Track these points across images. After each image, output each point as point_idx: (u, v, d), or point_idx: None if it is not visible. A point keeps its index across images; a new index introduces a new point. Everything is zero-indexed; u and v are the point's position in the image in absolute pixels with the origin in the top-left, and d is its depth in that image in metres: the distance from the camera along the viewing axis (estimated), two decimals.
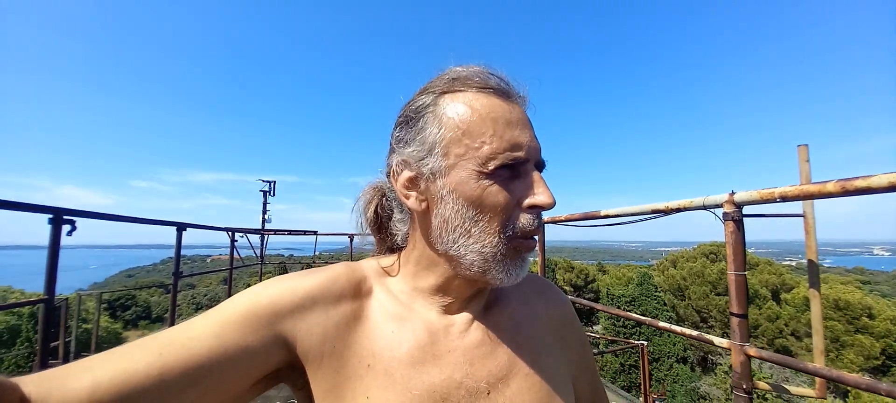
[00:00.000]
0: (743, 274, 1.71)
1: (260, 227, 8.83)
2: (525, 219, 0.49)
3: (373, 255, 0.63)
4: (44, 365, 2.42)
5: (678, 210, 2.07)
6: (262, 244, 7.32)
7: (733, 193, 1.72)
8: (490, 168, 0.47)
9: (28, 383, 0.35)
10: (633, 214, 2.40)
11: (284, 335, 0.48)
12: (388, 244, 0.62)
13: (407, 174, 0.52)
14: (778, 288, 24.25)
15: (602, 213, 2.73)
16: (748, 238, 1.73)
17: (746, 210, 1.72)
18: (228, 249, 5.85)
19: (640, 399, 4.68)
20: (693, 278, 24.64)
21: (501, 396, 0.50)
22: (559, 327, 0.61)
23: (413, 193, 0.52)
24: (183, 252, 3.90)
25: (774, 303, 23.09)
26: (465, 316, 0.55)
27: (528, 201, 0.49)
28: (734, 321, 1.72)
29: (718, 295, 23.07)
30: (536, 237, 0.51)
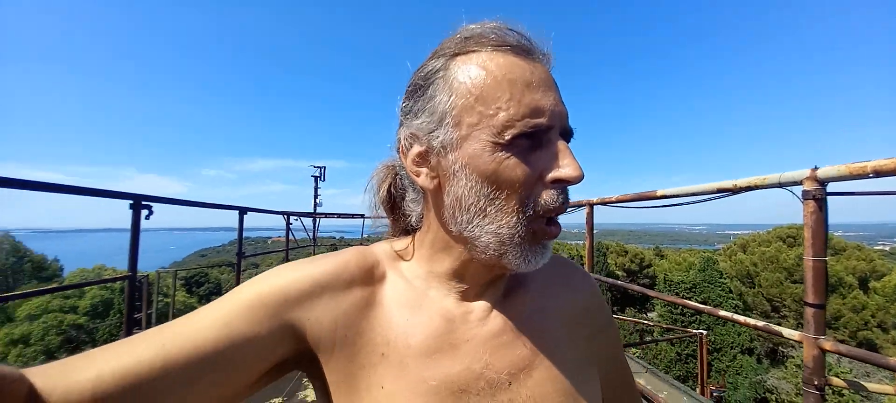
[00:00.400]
0: (823, 259, 1.51)
1: (312, 211, 9.31)
2: (548, 196, 0.44)
3: (386, 237, 0.61)
4: (129, 333, 2.73)
5: (748, 189, 1.87)
6: (314, 226, 7.71)
7: (816, 168, 1.51)
8: (506, 138, 0.42)
9: (36, 374, 0.35)
10: (693, 194, 2.20)
11: (293, 324, 0.46)
12: (402, 225, 0.60)
13: (416, 149, 0.48)
14: (867, 275, 21.59)
15: (658, 194, 2.55)
16: (832, 219, 1.52)
17: (831, 187, 1.51)
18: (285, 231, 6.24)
19: (697, 389, 4.42)
20: (765, 264, 22.58)
21: (523, 387, 0.47)
22: (584, 313, 0.57)
23: (423, 170, 0.49)
24: (247, 234, 4.22)
25: (861, 292, 20.61)
26: (483, 304, 0.52)
27: (551, 175, 0.43)
28: (808, 311, 1.54)
29: (794, 282, 21.00)
30: (561, 220, 0.46)
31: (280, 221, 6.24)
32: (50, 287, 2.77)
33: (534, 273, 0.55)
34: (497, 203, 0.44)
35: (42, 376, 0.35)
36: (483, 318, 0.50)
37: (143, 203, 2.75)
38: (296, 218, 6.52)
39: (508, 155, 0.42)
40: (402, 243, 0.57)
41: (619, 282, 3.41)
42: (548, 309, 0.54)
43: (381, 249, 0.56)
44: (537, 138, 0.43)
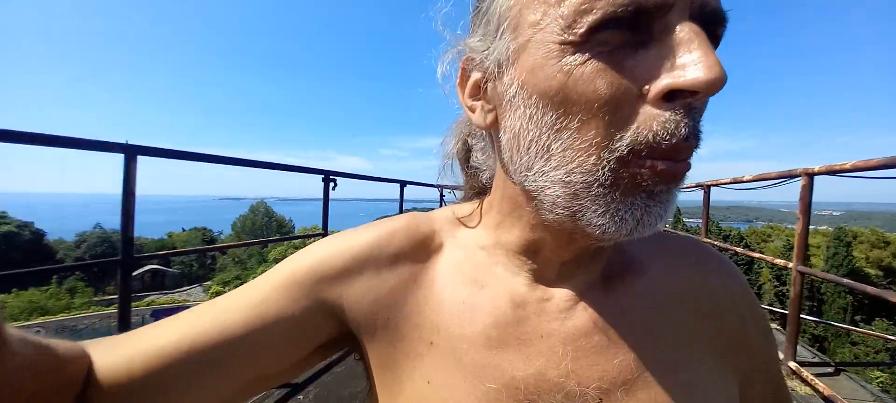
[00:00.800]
0: None
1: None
2: (658, 121, 0.27)
3: (460, 202, 0.50)
4: None
5: None
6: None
7: None
8: (579, 32, 0.27)
9: (95, 348, 0.35)
10: None
11: (330, 303, 0.40)
12: (475, 185, 0.49)
13: (475, 76, 0.37)
14: None
15: None
16: None
17: None
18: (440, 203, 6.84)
19: None
20: None
21: None
22: (722, 315, 0.40)
23: (479, 103, 0.37)
24: (412, 205, 4.77)
25: None
26: (568, 290, 0.39)
27: (662, 83, 0.26)
28: None
29: None
30: (685, 157, 0.29)
31: (437, 193, 6.85)
32: (285, 236, 3.79)
33: (648, 255, 0.41)
34: (565, 135, 0.29)
35: (99, 351, 0.35)
36: (567, 309, 0.38)
37: (330, 177, 3.42)
38: (448, 190, 7.04)
39: (584, 58, 0.27)
40: (467, 208, 0.46)
41: (846, 283, 2.46)
42: (667, 304, 0.39)
43: (441, 216, 0.46)
44: (639, 26, 0.27)
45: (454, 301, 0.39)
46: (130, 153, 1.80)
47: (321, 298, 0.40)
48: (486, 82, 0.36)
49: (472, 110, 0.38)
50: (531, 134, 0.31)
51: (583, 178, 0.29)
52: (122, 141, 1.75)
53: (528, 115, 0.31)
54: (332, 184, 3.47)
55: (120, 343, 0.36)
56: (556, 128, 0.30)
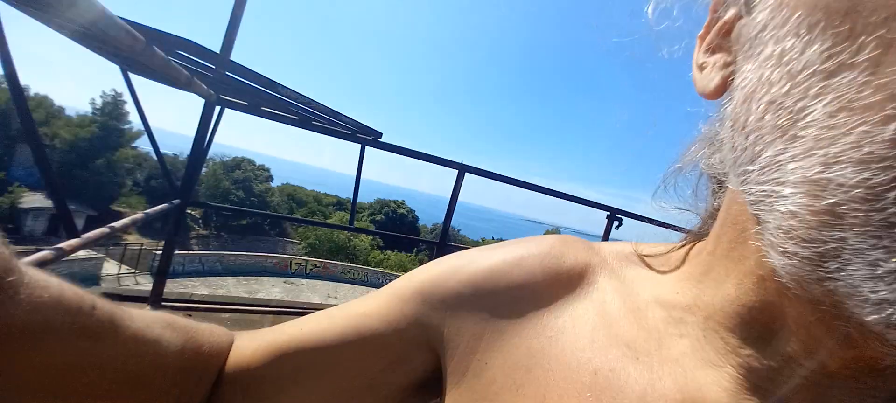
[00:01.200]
0: None
1: None
2: None
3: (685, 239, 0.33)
4: None
5: None
6: None
7: None
8: None
9: (238, 336, 0.38)
10: None
11: (432, 329, 0.33)
12: (714, 215, 0.29)
13: (728, 14, 0.24)
14: None
15: None
16: None
17: None
18: None
19: None
20: None
21: None
22: None
23: (714, 58, 0.25)
24: None
25: None
26: None
27: None
28: None
29: None
30: None
31: None
32: None
33: None
34: (842, 81, 0.15)
35: (239, 341, 0.38)
36: None
37: (616, 216, 3.38)
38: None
39: None
40: (661, 246, 0.33)
41: None
42: None
43: (610, 249, 0.34)
44: None
45: (582, 367, 0.26)
46: (462, 170, 2.51)
47: (423, 321, 0.33)
48: (737, 21, 0.23)
49: (702, 68, 0.25)
50: (774, 88, 0.17)
51: (861, 175, 0.14)
52: (458, 160, 2.46)
53: (776, 56, 0.17)
54: (616, 223, 3.40)
55: (255, 336, 0.38)
56: (824, 68, 0.15)
